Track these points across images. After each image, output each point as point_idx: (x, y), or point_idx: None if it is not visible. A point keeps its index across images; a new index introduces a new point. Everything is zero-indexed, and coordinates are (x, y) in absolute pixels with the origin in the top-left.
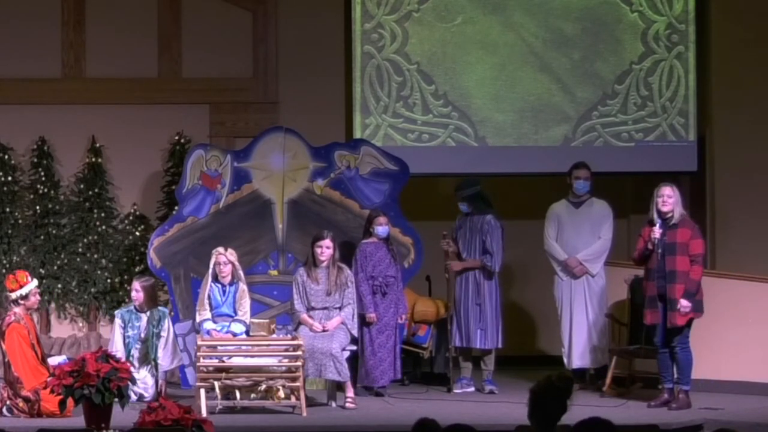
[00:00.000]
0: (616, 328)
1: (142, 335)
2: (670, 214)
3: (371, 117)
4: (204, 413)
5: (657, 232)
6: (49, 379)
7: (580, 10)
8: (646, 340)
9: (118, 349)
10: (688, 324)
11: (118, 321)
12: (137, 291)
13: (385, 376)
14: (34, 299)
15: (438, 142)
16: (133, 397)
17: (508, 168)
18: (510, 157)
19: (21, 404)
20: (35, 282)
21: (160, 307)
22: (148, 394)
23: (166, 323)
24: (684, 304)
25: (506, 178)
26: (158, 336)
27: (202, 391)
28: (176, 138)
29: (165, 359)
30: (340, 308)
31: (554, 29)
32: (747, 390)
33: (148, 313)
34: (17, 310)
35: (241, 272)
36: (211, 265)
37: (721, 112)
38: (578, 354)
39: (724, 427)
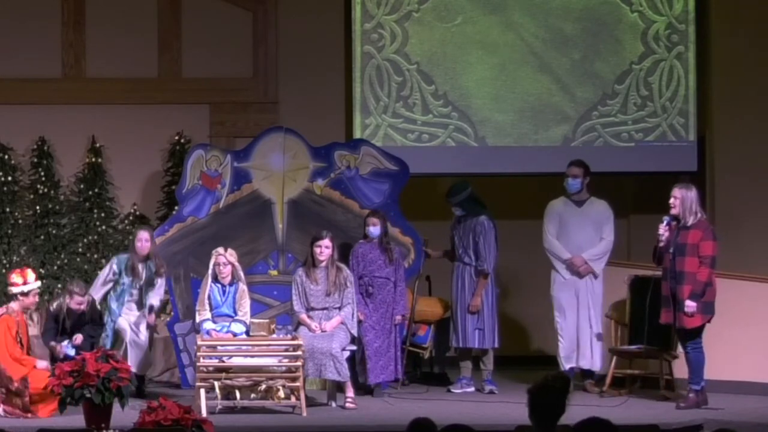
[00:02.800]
0: (616, 328)
1: (140, 284)
2: (681, 216)
3: (371, 117)
4: (204, 413)
5: (662, 229)
6: (49, 379)
7: (580, 10)
8: (648, 339)
9: (96, 285)
10: (701, 326)
11: (114, 267)
12: (147, 240)
13: (373, 374)
14: (33, 299)
15: (438, 142)
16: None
17: (508, 168)
18: (510, 157)
19: (14, 400)
20: (39, 284)
21: (158, 262)
22: (143, 337)
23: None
24: (689, 304)
25: (506, 178)
26: (153, 284)
27: (202, 391)
28: (176, 138)
29: (153, 298)
30: (339, 308)
31: (554, 29)
32: (747, 390)
33: (146, 264)
34: (13, 305)
35: (241, 272)
36: (211, 266)
37: (721, 112)
38: (577, 354)
39: (724, 427)
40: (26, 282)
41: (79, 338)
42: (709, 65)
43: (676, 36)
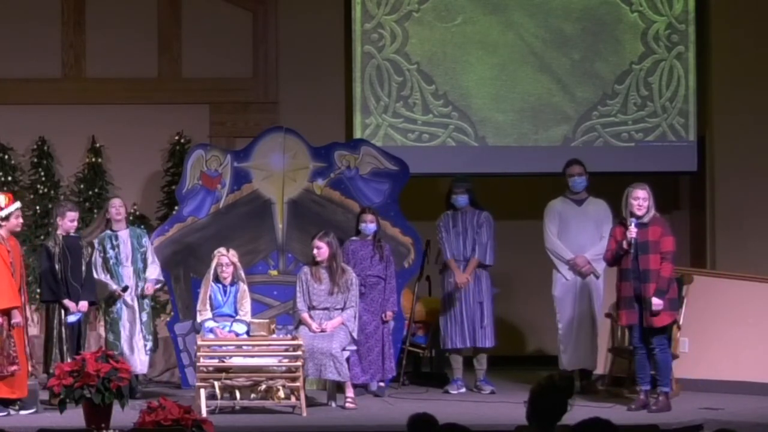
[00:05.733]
0: (616, 327)
1: (127, 253)
2: (644, 215)
3: (371, 117)
4: (204, 413)
5: (633, 231)
6: (49, 379)
7: (580, 10)
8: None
9: (99, 270)
10: (669, 325)
11: (97, 248)
12: (120, 207)
13: (367, 374)
14: (16, 221)
15: (438, 142)
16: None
17: (508, 168)
18: (510, 157)
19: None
20: (18, 204)
21: (136, 227)
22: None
23: (145, 240)
24: (655, 302)
25: (506, 178)
26: (143, 255)
27: (202, 391)
28: (176, 138)
29: (152, 272)
30: (342, 310)
31: (554, 29)
32: (747, 390)
33: (127, 231)
34: (0, 232)
35: (242, 273)
36: (213, 266)
37: (721, 112)
38: (579, 355)
39: (724, 427)
40: (2, 207)
41: (83, 306)
42: (709, 65)
43: (676, 36)
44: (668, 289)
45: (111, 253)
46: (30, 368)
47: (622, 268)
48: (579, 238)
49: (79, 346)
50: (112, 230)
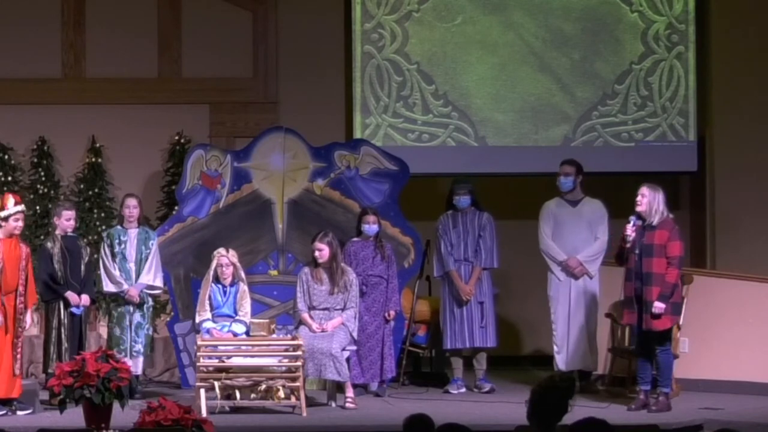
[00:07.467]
0: (616, 327)
1: (131, 252)
2: (646, 214)
3: (371, 117)
4: (204, 413)
5: (629, 229)
6: (49, 379)
7: (580, 10)
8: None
9: (108, 264)
10: (669, 328)
11: (105, 241)
12: (135, 207)
13: (367, 374)
14: (15, 224)
15: (438, 142)
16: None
17: (508, 168)
18: (510, 157)
19: None
20: (21, 207)
21: (146, 228)
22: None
23: (151, 243)
24: (657, 305)
25: (506, 178)
26: (147, 257)
27: (202, 391)
28: (176, 138)
29: (146, 276)
30: (342, 310)
31: (554, 29)
32: (747, 390)
33: (136, 230)
34: None
35: (242, 273)
36: (213, 267)
37: (721, 112)
38: (575, 355)
39: (724, 427)
40: (5, 207)
41: (85, 299)
42: (709, 65)
43: (676, 36)
44: (672, 294)
45: (117, 248)
46: (17, 370)
47: (627, 268)
48: (573, 239)
49: (81, 343)
50: (123, 227)
